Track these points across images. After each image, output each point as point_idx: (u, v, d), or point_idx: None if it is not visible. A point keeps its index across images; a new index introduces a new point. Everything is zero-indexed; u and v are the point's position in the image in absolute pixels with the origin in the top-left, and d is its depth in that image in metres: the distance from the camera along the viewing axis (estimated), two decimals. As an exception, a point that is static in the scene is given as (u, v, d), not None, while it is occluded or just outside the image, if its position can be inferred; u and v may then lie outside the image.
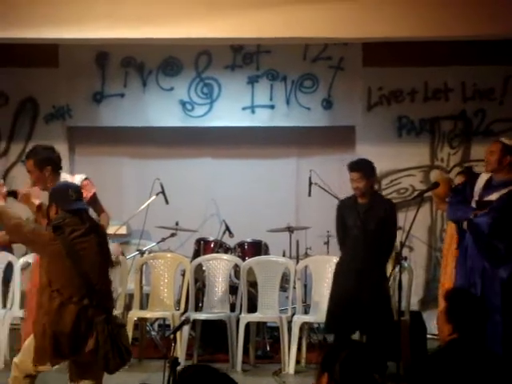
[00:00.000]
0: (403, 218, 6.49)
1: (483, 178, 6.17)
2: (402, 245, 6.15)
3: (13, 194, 5.65)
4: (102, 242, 5.01)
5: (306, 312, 7.44)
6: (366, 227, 6.34)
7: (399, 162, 8.81)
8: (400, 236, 6.47)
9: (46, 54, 8.67)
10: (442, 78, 8.74)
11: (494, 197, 6.03)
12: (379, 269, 6.42)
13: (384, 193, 8.68)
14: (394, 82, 8.80)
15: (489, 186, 6.09)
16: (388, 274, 6.55)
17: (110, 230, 7.53)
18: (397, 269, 6.17)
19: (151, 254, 7.91)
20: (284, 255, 8.14)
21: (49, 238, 4.85)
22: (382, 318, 6.28)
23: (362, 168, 6.42)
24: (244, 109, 8.98)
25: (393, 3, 7.10)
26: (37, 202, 5.75)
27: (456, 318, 3.84)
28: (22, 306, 7.31)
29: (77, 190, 5.07)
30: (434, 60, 8.57)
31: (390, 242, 6.53)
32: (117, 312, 7.16)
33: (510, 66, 8.56)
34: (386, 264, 6.56)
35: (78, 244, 4.85)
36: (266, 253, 8.01)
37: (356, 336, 6.63)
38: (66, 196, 4.95)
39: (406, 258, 7.67)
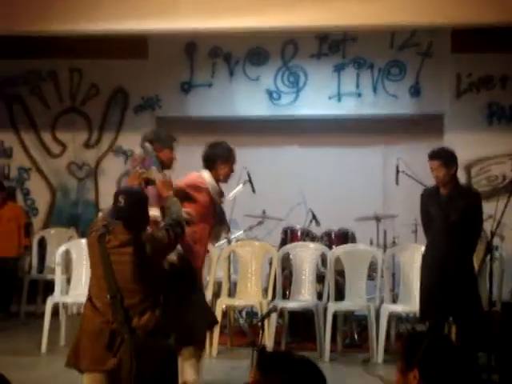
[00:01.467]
0: (494, 207, 6.35)
1: None
2: (493, 234, 6.04)
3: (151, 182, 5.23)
4: (141, 255, 4.53)
5: (394, 301, 7.38)
6: (448, 218, 6.23)
7: (489, 149, 8.66)
8: (491, 225, 6.35)
9: (135, 45, 8.85)
10: (534, 63, 8.54)
11: None
12: (464, 259, 6.31)
13: (474, 180, 8.55)
14: (483, 69, 8.65)
15: None
16: (477, 264, 6.45)
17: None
18: (487, 258, 6.07)
19: (239, 243, 7.97)
20: (371, 244, 8.09)
21: (90, 243, 4.66)
22: (470, 308, 6.18)
23: (442, 156, 6.32)
24: (330, 97, 8.97)
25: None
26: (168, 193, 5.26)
27: None
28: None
29: (129, 195, 4.65)
30: (525, 45, 8.38)
31: (475, 232, 6.40)
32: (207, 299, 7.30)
33: None
34: (471, 254, 6.42)
35: (113, 254, 4.54)
36: (353, 241, 7.98)
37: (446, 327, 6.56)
38: (116, 201, 4.60)
39: (497, 248, 7.53)
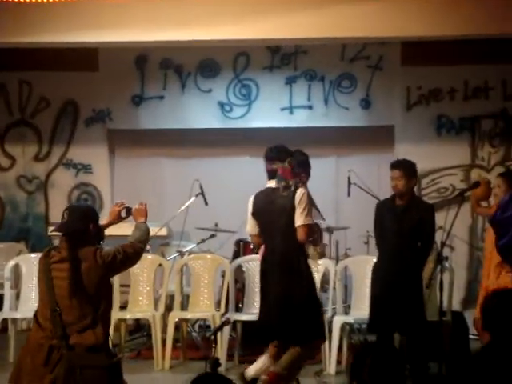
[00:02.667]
0: (444, 218, 6.42)
1: None
2: (443, 244, 6.10)
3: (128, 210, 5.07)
4: (76, 272, 4.45)
5: (346, 312, 7.41)
6: (401, 229, 6.29)
7: (439, 161, 8.76)
8: (441, 236, 6.42)
9: (86, 57, 8.78)
10: (482, 76, 8.67)
11: None
12: (413, 272, 6.36)
13: (424, 192, 8.64)
14: (433, 81, 8.75)
15: None
16: (428, 275, 6.50)
17: (150, 232, 7.61)
18: (438, 269, 6.12)
19: (191, 256, 7.94)
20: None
21: (39, 259, 4.64)
22: (416, 320, 6.24)
23: (404, 167, 6.39)
24: (282, 109, 9.01)
25: (431, 1, 7.06)
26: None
27: (492, 327, 3.79)
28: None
29: (72, 210, 4.63)
30: (473, 58, 8.51)
31: (427, 244, 6.47)
32: (158, 313, 7.26)
33: (551, 64, 8.47)
34: (422, 267, 6.48)
35: (54, 270, 4.51)
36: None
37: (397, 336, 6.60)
38: (62, 217, 4.60)
39: (446, 258, 7.60)
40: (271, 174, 5.84)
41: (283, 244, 5.71)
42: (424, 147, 8.62)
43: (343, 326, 7.17)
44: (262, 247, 5.96)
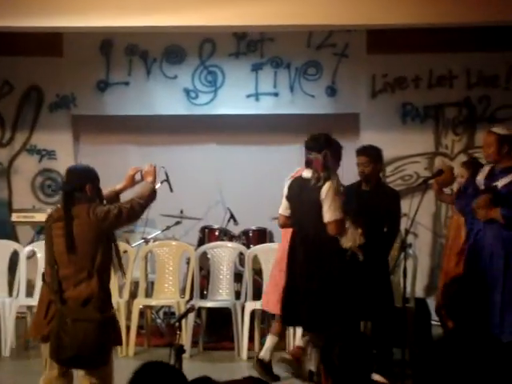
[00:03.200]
0: (408, 205, 6.48)
1: (485, 169, 6.16)
2: (407, 232, 6.16)
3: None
4: (70, 229, 4.66)
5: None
6: (367, 214, 6.33)
7: (403, 148, 8.81)
8: (405, 223, 6.46)
9: (50, 42, 8.69)
10: (447, 64, 8.72)
11: (499, 184, 6.01)
12: (381, 256, 6.41)
13: (388, 180, 8.69)
14: (398, 69, 8.79)
15: (492, 176, 6.07)
16: (392, 262, 6.55)
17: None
18: (402, 256, 6.17)
19: (156, 243, 7.93)
20: (289, 242, 8.13)
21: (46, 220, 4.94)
22: (384, 306, 6.28)
23: (370, 153, 6.44)
24: (248, 96, 8.99)
25: (397, -10, 7.09)
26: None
27: (454, 313, 3.83)
28: (27, 294, 7.36)
29: (69, 171, 4.89)
30: (438, 47, 8.54)
31: (393, 229, 6.52)
32: (122, 300, 7.24)
33: (514, 53, 8.55)
34: (389, 251, 6.54)
35: (53, 229, 4.76)
36: (271, 240, 8.02)
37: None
38: (63, 177, 4.95)
39: (410, 245, 7.65)
40: (307, 164, 5.85)
41: (313, 235, 5.74)
42: (389, 135, 8.66)
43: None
44: (285, 230, 6.19)
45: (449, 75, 8.76)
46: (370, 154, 6.44)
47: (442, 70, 8.75)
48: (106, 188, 5.14)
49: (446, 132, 8.82)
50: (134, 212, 4.84)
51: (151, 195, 4.98)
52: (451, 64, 8.71)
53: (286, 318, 6.09)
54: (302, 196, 5.86)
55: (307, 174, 5.85)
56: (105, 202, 4.91)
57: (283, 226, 6.20)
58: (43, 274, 4.83)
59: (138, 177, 5.17)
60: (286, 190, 6.07)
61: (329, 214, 5.65)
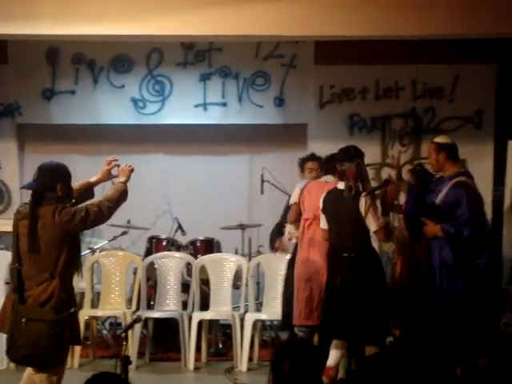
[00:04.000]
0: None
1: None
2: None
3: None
4: (34, 229, 4.64)
5: (258, 309, 7.45)
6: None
7: (351, 159, 8.85)
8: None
9: (-6, 49, 8.57)
10: (393, 76, 8.81)
11: (437, 200, 6.13)
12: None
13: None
14: (345, 81, 8.85)
15: (438, 185, 6.19)
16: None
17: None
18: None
19: (102, 253, 7.85)
20: (236, 253, 8.13)
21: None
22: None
23: (319, 158, 6.51)
24: (196, 106, 8.97)
25: (344, 2, 7.13)
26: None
27: (400, 321, 3.86)
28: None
29: (41, 168, 4.81)
30: (385, 59, 8.63)
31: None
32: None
33: (458, 65, 8.67)
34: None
35: (20, 226, 4.75)
36: (219, 250, 8.01)
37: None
38: (34, 174, 4.83)
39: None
40: (340, 175, 5.99)
41: (352, 246, 5.76)
42: (336, 145, 8.56)
43: (255, 323, 7.20)
44: (303, 241, 6.39)
45: (395, 87, 8.86)
46: (319, 160, 6.54)
47: (388, 82, 8.84)
48: (80, 180, 5.14)
49: (393, 143, 8.90)
50: (102, 215, 4.83)
51: (122, 196, 4.99)
52: (398, 76, 8.81)
53: (331, 331, 5.94)
54: (338, 208, 5.96)
55: (341, 185, 5.95)
56: (74, 198, 4.88)
57: (325, 240, 6.22)
58: (11, 270, 4.84)
59: (114, 171, 5.20)
60: (321, 204, 6.17)
61: (374, 223, 5.79)
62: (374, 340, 5.58)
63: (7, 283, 7.00)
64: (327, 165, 6.50)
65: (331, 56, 8.65)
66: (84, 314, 7.17)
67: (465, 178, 6.09)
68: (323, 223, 6.16)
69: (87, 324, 7.30)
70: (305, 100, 8.90)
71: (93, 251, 7.87)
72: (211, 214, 8.69)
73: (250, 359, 7.13)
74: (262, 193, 8.27)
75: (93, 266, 7.53)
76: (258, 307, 7.51)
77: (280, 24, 7.18)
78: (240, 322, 7.16)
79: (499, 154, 8.40)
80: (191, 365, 7.04)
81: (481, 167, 8.29)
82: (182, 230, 8.30)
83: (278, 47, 8.83)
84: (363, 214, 5.78)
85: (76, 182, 5.09)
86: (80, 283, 7.39)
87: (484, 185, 7.63)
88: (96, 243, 8.12)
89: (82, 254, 7.75)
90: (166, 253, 7.76)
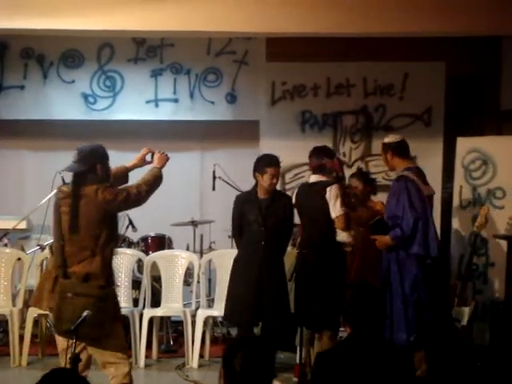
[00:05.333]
0: (306, 212, 6.54)
1: None
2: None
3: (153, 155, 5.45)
4: (76, 208, 4.82)
5: (210, 306, 7.44)
6: (267, 222, 6.36)
7: (302, 156, 8.76)
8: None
9: None
10: (344, 73, 8.87)
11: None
12: (278, 263, 6.47)
13: (287, 187, 8.76)
14: (297, 77, 8.88)
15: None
16: (290, 269, 6.59)
17: (9, 225, 7.39)
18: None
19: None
20: (188, 249, 8.12)
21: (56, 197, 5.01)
22: (281, 311, 6.32)
23: (279, 163, 6.54)
24: (148, 102, 8.92)
25: (295, 0, 7.16)
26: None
27: (350, 318, 3.88)
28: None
29: (79, 151, 4.96)
30: (336, 56, 8.69)
31: (288, 236, 6.60)
32: (16, 308, 7.06)
33: (408, 63, 8.76)
34: (283, 257, 6.61)
35: (61, 206, 4.89)
36: (170, 247, 7.98)
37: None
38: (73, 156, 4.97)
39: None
40: (319, 169, 6.29)
41: (319, 236, 6.16)
42: (288, 142, 8.74)
43: (206, 320, 7.19)
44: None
45: (346, 84, 8.91)
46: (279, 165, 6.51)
47: (339, 79, 8.90)
48: (116, 165, 5.31)
49: (344, 139, 8.96)
50: (141, 197, 5.03)
51: (157, 181, 5.18)
52: (349, 73, 8.86)
53: (300, 321, 6.12)
54: (307, 202, 6.29)
55: (315, 178, 6.28)
56: (111, 179, 5.07)
57: (300, 234, 6.52)
58: (51, 247, 5.05)
59: (148, 158, 5.39)
60: (293, 199, 6.45)
61: (335, 210, 6.12)
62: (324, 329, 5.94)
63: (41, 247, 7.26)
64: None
65: (283, 53, 8.67)
66: (33, 312, 7.08)
67: (407, 172, 6.18)
68: (296, 218, 6.41)
69: (36, 321, 7.21)
70: (256, 96, 8.91)
71: (42, 248, 7.76)
72: (163, 211, 8.63)
73: (202, 356, 7.13)
74: (213, 189, 8.23)
75: (42, 264, 7.43)
76: (210, 304, 7.51)
77: (232, 20, 7.17)
78: (191, 318, 7.15)
79: (448, 150, 8.51)
80: (142, 362, 7.01)
81: (430, 164, 8.38)
82: (133, 227, 8.24)
83: (230, 44, 8.83)
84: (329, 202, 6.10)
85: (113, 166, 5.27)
86: (29, 280, 7.32)
87: (433, 181, 7.70)
88: (45, 240, 8.00)
89: (30, 251, 7.73)
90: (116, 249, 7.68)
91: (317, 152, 6.43)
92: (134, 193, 4.96)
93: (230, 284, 6.56)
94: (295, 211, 6.51)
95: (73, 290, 4.78)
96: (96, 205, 4.84)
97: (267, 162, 6.40)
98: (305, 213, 6.37)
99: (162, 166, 5.30)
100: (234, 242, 8.16)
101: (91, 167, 4.92)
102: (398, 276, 6.05)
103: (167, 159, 5.36)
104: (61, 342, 4.97)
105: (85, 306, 4.73)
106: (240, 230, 6.51)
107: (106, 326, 4.86)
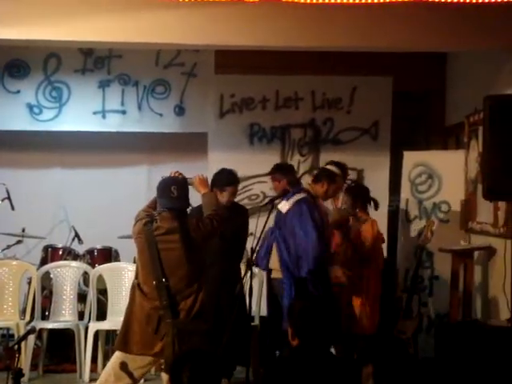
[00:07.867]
0: (254, 224, 6.53)
1: None
2: (253, 250, 6.20)
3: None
4: (187, 242, 4.87)
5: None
6: (224, 234, 6.34)
7: (251, 168, 8.89)
8: (251, 242, 6.51)
9: None
10: (293, 86, 8.90)
11: None
12: (235, 274, 6.46)
13: (236, 199, 8.72)
14: (245, 90, 8.89)
15: None
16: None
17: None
18: (248, 274, 6.21)
19: (-5, 262, 7.64)
20: (134, 262, 8.03)
21: (137, 231, 5.05)
22: (239, 323, 6.29)
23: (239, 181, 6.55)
24: (95, 113, 8.84)
25: (244, 12, 7.16)
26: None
27: (298, 331, 3.88)
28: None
29: (180, 185, 5.05)
30: (284, 69, 8.71)
31: (243, 248, 6.60)
32: (23, 321, 7.02)
33: (356, 77, 8.82)
34: (239, 268, 6.61)
35: (160, 242, 4.89)
36: (117, 259, 7.92)
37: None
38: (168, 191, 5.02)
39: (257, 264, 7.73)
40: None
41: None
42: (236, 155, 8.73)
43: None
44: None
45: (295, 97, 8.95)
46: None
47: (288, 92, 8.93)
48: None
49: (292, 153, 8.99)
50: (220, 224, 5.15)
51: (214, 202, 5.28)
52: (297, 86, 8.90)
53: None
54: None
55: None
56: None
57: None
58: (138, 286, 4.95)
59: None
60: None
61: None
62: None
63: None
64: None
65: (231, 65, 8.67)
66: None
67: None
68: None
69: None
70: (205, 109, 8.90)
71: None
72: (109, 223, 8.56)
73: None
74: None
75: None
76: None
77: (180, 32, 7.14)
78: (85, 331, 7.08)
79: (395, 164, 8.60)
80: (86, 376, 6.92)
81: (377, 178, 8.46)
82: (79, 239, 8.16)
83: (179, 56, 8.81)
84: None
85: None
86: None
87: (380, 195, 7.78)
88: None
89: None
90: (61, 262, 7.61)
91: (281, 169, 6.61)
92: (216, 220, 5.08)
93: None
94: None
95: (187, 328, 4.80)
96: (200, 237, 4.95)
97: (229, 181, 6.44)
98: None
99: (208, 189, 5.38)
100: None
101: (187, 201, 5.10)
102: None
103: (206, 179, 5.45)
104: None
105: (202, 343, 4.75)
106: None
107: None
